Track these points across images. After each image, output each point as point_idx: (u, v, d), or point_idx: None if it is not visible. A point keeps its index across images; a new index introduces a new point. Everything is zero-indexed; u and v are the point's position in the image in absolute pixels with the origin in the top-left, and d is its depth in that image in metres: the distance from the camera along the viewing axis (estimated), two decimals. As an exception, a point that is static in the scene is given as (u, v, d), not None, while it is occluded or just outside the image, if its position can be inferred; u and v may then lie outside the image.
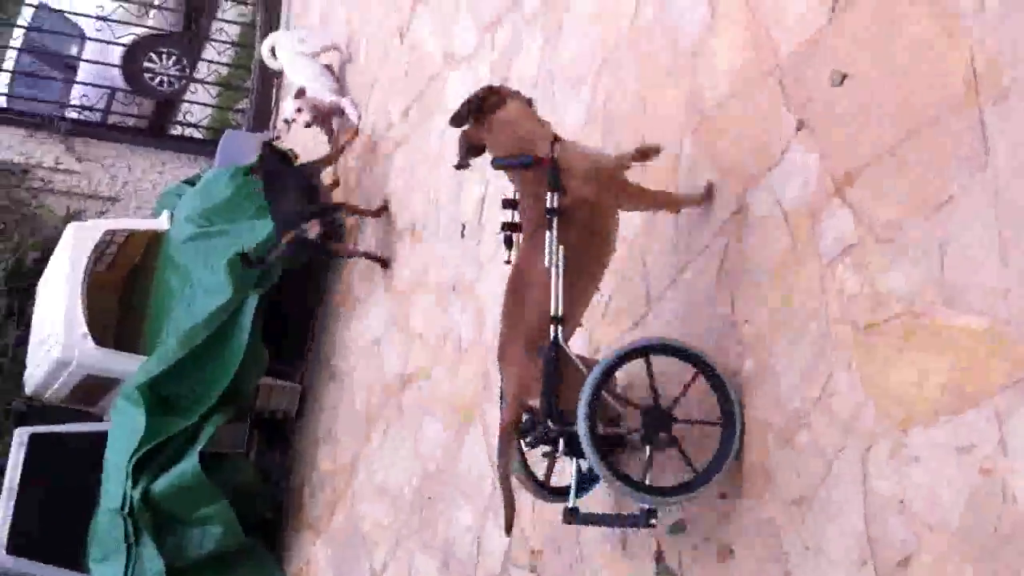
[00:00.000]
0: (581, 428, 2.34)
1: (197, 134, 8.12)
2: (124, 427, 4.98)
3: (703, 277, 2.74)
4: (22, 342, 6.27)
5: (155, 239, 5.87)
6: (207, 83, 8.49)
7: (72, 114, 7.87)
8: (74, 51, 8.96)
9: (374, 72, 5.58)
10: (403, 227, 4.73)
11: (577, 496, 2.56)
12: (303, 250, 4.97)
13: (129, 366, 5.33)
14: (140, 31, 10.49)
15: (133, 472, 4.83)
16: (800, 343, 2.35)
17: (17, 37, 9.12)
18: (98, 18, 8.05)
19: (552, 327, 2.48)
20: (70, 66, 10.24)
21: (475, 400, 3.63)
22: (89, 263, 5.47)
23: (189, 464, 4.75)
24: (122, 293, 6.36)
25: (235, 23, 8.75)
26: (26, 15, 9.16)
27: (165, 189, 6.99)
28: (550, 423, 2.46)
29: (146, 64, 11.24)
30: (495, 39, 4.22)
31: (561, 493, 2.68)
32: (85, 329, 5.42)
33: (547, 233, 2.52)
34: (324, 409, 5.08)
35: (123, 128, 7.95)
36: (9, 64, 8.64)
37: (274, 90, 7.80)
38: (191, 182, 6.71)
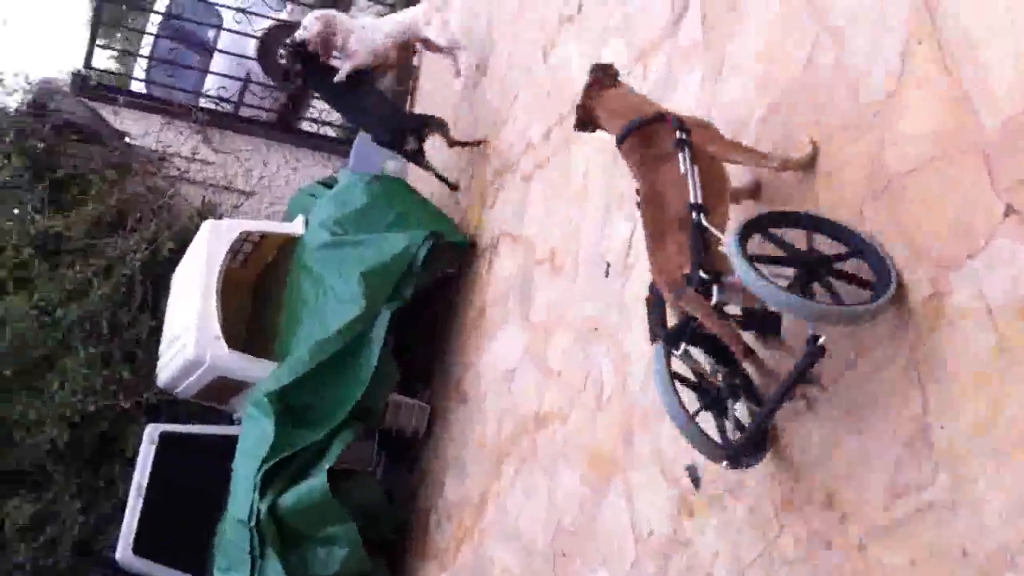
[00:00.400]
0: (732, 247, 2.49)
1: (331, 132, 8.09)
2: (253, 435, 4.99)
3: (890, 367, 2.50)
4: (155, 332, 6.36)
5: (289, 240, 5.86)
6: None
7: (206, 104, 7.96)
8: (210, 38, 9.05)
9: (514, 88, 5.42)
10: (542, 256, 4.58)
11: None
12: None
13: (260, 371, 5.34)
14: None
15: (261, 483, 4.82)
16: (1010, 467, 2.10)
17: (155, 23, 9.29)
18: (238, 9, 8.07)
19: (694, 213, 2.70)
20: (207, 50, 10.43)
21: (615, 458, 3.47)
22: (224, 263, 5.50)
23: (318, 482, 4.73)
24: (254, 291, 6.40)
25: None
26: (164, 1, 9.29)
27: (299, 189, 7.00)
28: (702, 273, 2.59)
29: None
30: (648, 68, 4.00)
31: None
32: (218, 332, 5.44)
33: (680, 154, 2.80)
34: (452, 434, 5.00)
35: (258, 122, 7.96)
36: (147, 51, 8.75)
37: (409, 95, 7.71)
38: (326, 184, 6.70)
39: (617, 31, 4.34)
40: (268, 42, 10.70)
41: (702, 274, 2.60)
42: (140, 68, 8.67)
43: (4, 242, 6.64)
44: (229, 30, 8.10)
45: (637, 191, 2.95)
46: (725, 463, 2.67)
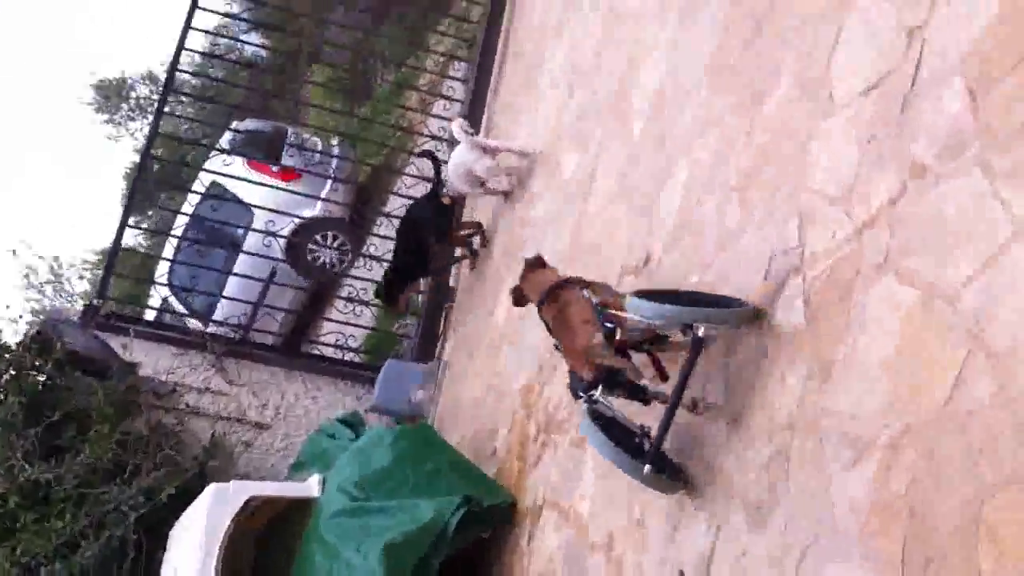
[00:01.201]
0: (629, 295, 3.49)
1: (353, 358, 7.62)
2: None
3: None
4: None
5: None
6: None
7: (217, 331, 7.57)
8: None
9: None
10: (597, 540, 3.94)
11: None
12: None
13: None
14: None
15: None
16: None
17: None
18: (270, 210, 7.79)
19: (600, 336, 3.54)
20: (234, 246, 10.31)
21: None
22: (227, 532, 4.85)
23: None
24: (260, 540, 5.74)
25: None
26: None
27: (316, 431, 6.46)
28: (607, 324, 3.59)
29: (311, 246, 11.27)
30: (736, 354, 3.48)
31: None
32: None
33: (584, 292, 3.82)
34: None
35: (273, 348, 7.51)
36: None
37: (443, 318, 7.29)
38: (347, 422, 6.16)
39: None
40: (297, 239, 10.70)
41: (607, 324, 3.56)
42: (157, 295, 8.35)
43: (-10, 491, 6.06)
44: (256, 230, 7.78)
45: (556, 346, 3.84)
46: (648, 467, 3.24)
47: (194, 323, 10.34)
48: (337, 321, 7.84)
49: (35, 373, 6.50)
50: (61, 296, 25.63)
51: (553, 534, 4.44)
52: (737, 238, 3.63)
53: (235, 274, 9.89)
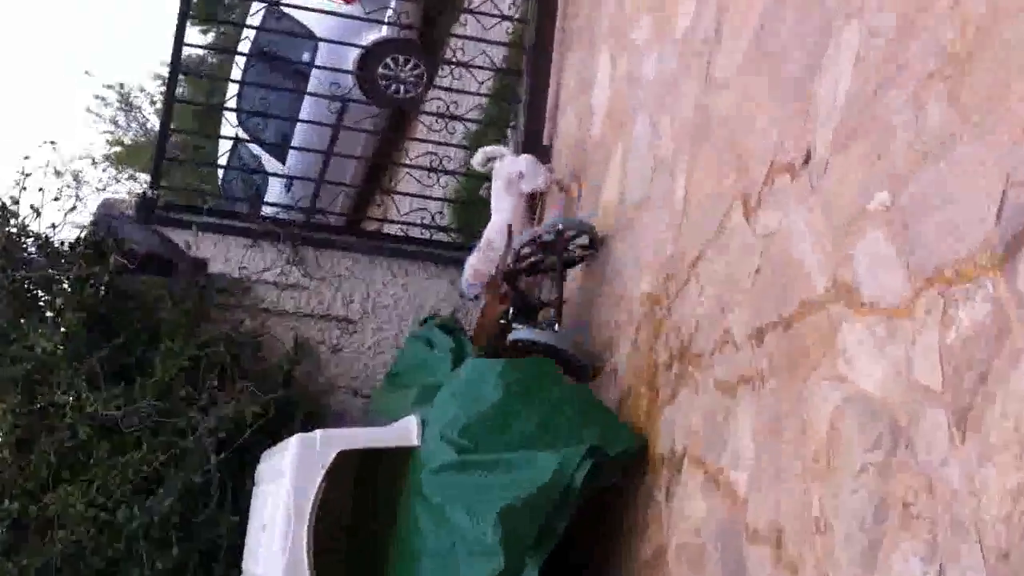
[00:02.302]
0: None
1: (443, 237, 6.83)
2: None
3: None
4: (237, 531, 5.22)
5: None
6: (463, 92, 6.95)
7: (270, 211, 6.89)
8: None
9: (692, 247, 4.04)
10: (761, 530, 3.21)
11: None
12: None
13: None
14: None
15: None
16: None
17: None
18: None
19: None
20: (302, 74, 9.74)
21: None
22: (318, 494, 4.25)
23: None
24: (356, 497, 5.20)
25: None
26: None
27: (409, 337, 5.77)
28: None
29: (381, 71, 10.54)
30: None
31: None
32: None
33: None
34: None
35: (354, 231, 6.76)
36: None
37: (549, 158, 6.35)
38: (447, 328, 5.44)
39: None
40: (368, 58, 9.96)
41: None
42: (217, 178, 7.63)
43: (57, 419, 5.56)
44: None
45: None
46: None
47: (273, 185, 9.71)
48: (412, 195, 7.00)
49: (93, 282, 5.88)
50: (135, 121, 24.94)
51: (700, 499, 3.72)
52: (948, 148, 2.65)
53: (303, 121, 9.15)
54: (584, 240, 5.29)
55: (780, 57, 3.64)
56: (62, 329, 5.77)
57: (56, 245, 6.05)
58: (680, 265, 4.20)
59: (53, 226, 6.20)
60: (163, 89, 11.03)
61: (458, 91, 6.90)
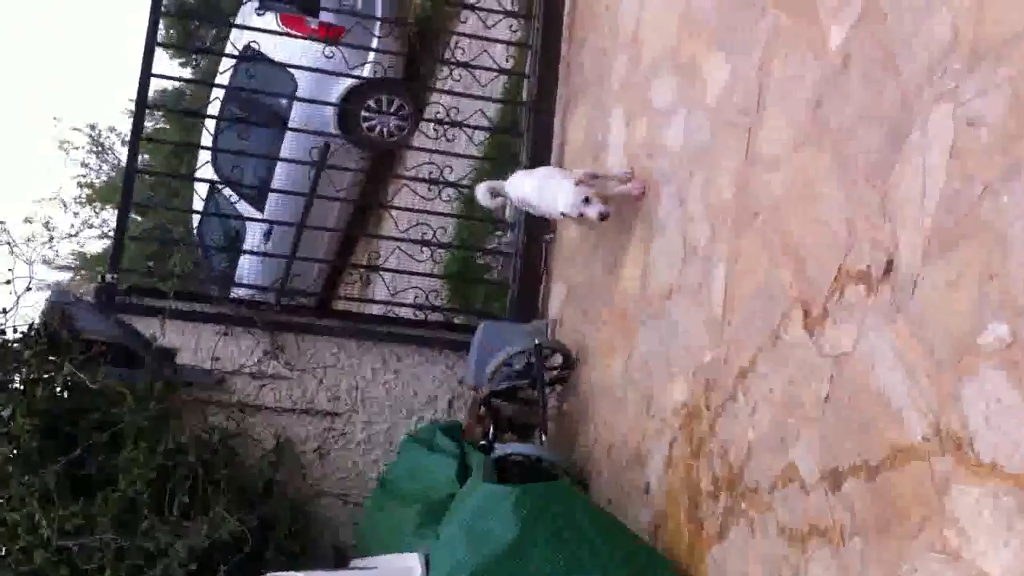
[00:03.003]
0: None
1: (436, 317, 6.27)
2: None
3: None
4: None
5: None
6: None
7: (241, 292, 6.37)
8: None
9: (738, 355, 3.48)
10: None
11: None
12: None
13: None
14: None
15: None
16: None
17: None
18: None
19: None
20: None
21: None
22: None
23: None
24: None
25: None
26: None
27: (413, 433, 5.24)
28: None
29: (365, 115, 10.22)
30: None
31: None
32: None
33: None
34: None
35: (342, 313, 6.21)
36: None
37: (542, 257, 5.85)
38: (451, 432, 4.92)
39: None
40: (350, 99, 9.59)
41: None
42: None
43: (8, 541, 4.98)
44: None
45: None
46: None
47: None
48: (395, 271, 6.42)
49: (46, 379, 5.29)
50: (106, 162, 24.25)
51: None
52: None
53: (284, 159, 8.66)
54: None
55: (846, 135, 3.10)
56: (12, 436, 5.18)
57: (6, 336, 5.47)
58: (724, 374, 3.65)
59: (3, 311, 5.61)
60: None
61: (450, 153, 6.35)
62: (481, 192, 5.38)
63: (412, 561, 3.88)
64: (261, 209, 10.05)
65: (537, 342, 4.99)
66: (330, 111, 9.57)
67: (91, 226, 21.09)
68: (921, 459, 2.56)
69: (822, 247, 3.15)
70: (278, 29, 9.16)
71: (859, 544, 2.78)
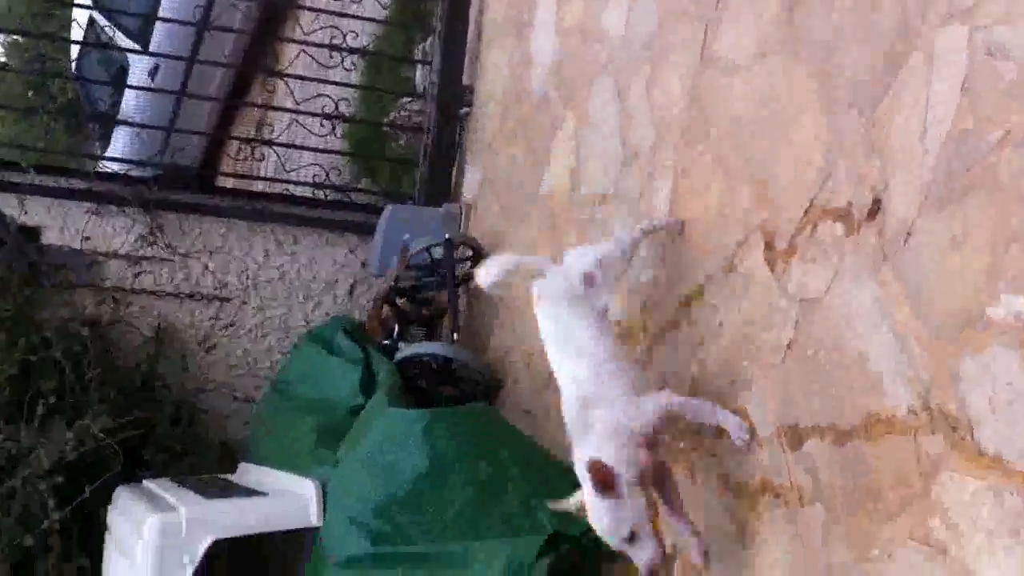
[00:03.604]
0: None
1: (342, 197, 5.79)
2: None
3: None
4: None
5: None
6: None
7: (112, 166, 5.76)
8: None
9: (682, 280, 3.17)
10: None
11: None
12: None
13: None
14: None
15: None
16: None
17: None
18: None
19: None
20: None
21: None
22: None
23: None
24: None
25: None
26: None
27: (310, 332, 4.82)
28: None
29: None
30: None
31: None
32: None
33: None
34: None
35: (231, 191, 5.66)
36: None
37: (457, 132, 5.39)
38: (354, 332, 4.56)
39: None
40: None
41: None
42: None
43: None
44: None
45: None
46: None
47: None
48: (292, 146, 5.88)
49: None
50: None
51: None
52: None
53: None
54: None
55: (827, 49, 2.73)
56: None
57: None
58: (665, 298, 3.34)
59: None
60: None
61: (354, 16, 5.75)
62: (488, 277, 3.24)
63: (307, 488, 3.55)
64: (145, 47, 9.32)
65: (448, 236, 4.60)
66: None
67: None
68: (904, 434, 2.30)
69: (791, 174, 2.81)
70: None
71: (821, 513, 2.54)
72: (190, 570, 3.32)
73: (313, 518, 3.46)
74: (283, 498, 3.56)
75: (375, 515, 3.34)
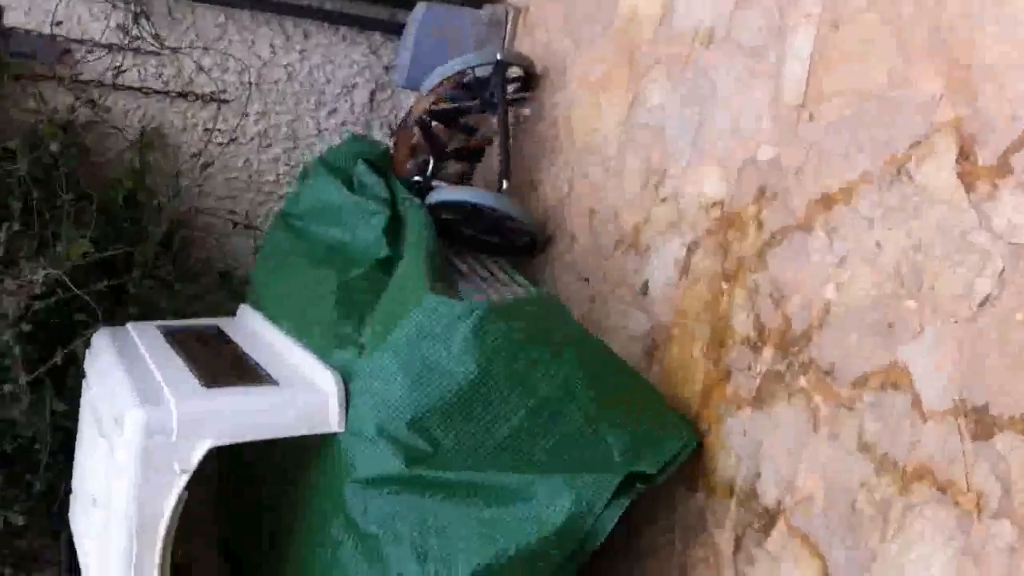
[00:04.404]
0: None
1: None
2: None
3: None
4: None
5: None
6: None
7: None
8: None
9: (813, 176, 2.46)
10: None
11: None
12: None
13: None
14: None
15: None
16: None
17: None
18: None
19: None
20: None
21: None
22: (175, 516, 2.82)
23: None
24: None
25: None
26: None
27: (322, 156, 4.05)
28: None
29: None
30: None
31: None
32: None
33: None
34: None
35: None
36: None
37: None
38: (380, 165, 3.90)
39: None
40: None
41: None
42: None
43: None
44: None
45: None
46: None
47: None
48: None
49: None
50: None
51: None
52: None
53: None
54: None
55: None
56: None
57: None
58: (793, 189, 2.63)
59: None
60: None
61: None
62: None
63: (326, 381, 2.94)
64: None
65: (499, 57, 3.81)
66: None
67: None
68: None
69: (1012, 60, 2.05)
70: None
71: (1009, 532, 1.96)
72: (183, 480, 2.76)
73: (334, 423, 2.87)
74: (298, 393, 2.95)
75: (409, 427, 2.75)
